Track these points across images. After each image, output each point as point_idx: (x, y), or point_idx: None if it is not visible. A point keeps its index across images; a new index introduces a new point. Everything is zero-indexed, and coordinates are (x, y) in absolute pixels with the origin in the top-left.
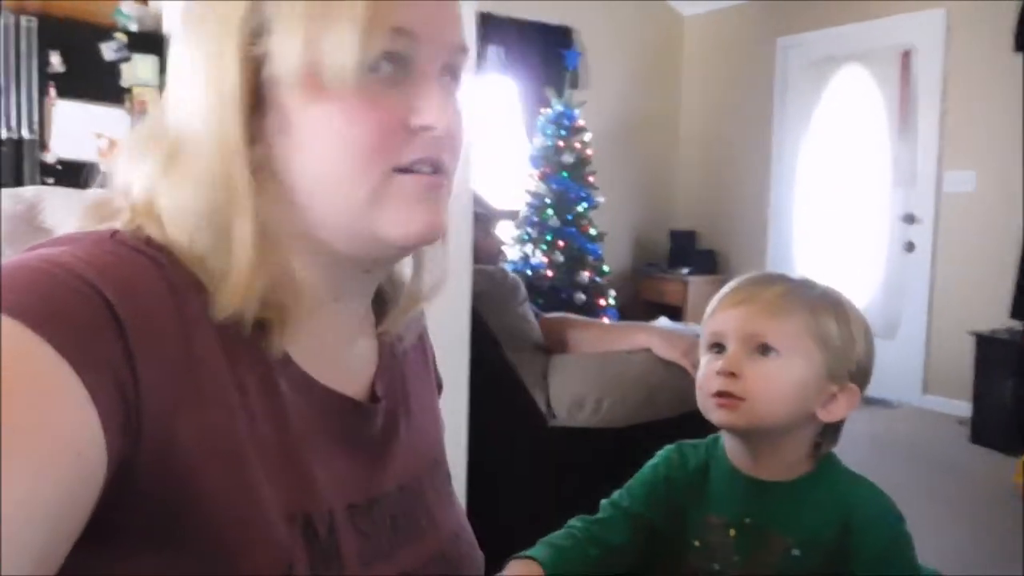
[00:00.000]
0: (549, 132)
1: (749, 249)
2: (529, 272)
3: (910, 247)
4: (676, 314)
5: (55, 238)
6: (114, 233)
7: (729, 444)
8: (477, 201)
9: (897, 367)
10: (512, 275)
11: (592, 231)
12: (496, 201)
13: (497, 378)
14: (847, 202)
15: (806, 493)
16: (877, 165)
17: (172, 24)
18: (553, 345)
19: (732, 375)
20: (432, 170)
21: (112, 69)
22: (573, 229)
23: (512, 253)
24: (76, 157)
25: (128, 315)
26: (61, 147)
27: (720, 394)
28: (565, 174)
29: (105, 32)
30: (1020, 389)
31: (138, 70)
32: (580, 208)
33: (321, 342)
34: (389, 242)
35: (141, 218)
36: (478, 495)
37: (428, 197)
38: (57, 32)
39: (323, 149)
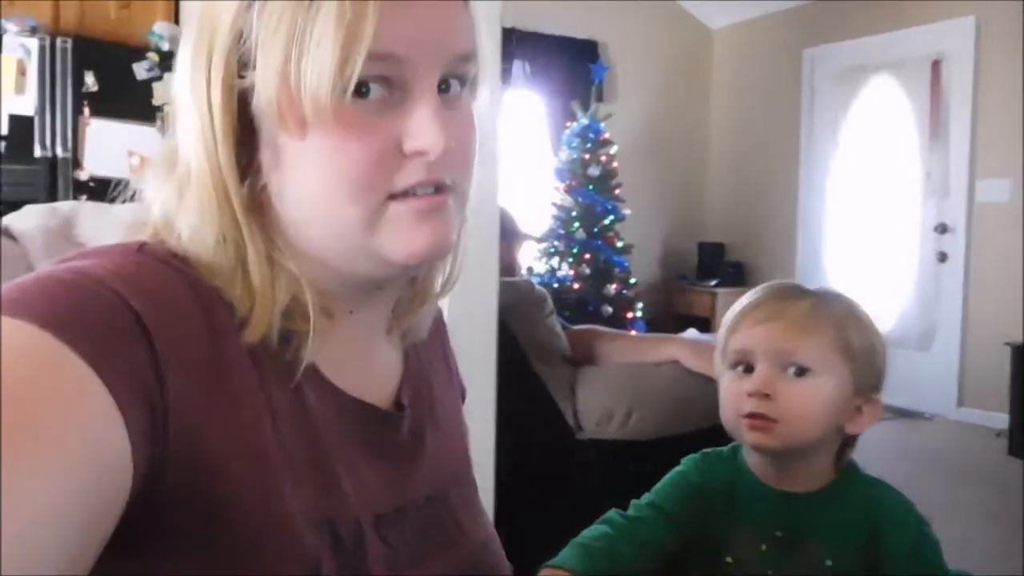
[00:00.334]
0: (575, 145)
1: (778, 261)
2: (556, 285)
3: (943, 258)
4: (704, 326)
5: (84, 251)
6: (141, 245)
7: (753, 458)
8: (502, 214)
9: (932, 379)
10: (539, 287)
11: (619, 243)
12: (521, 218)
13: (524, 390)
14: (878, 213)
15: (833, 502)
16: (908, 175)
17: None
18: (581, 357)
19: (766, 396)
20: (433, 190)
21: (145, 88)
22: (599, 242)
23: (539, 266)
24: (109, 175)
25: (155, 323)
26: (94, 165)
27: (753, 415)
28: (591, 187)
29: (138, 52)
30: None
31: (170, 89)
32: (607, 221)
33: (344, 351)
34: (392, 263)
35: (164, 233)
36: (506, 507)
37: (430, 217)
38: (92, 52)
39: (313, 182)
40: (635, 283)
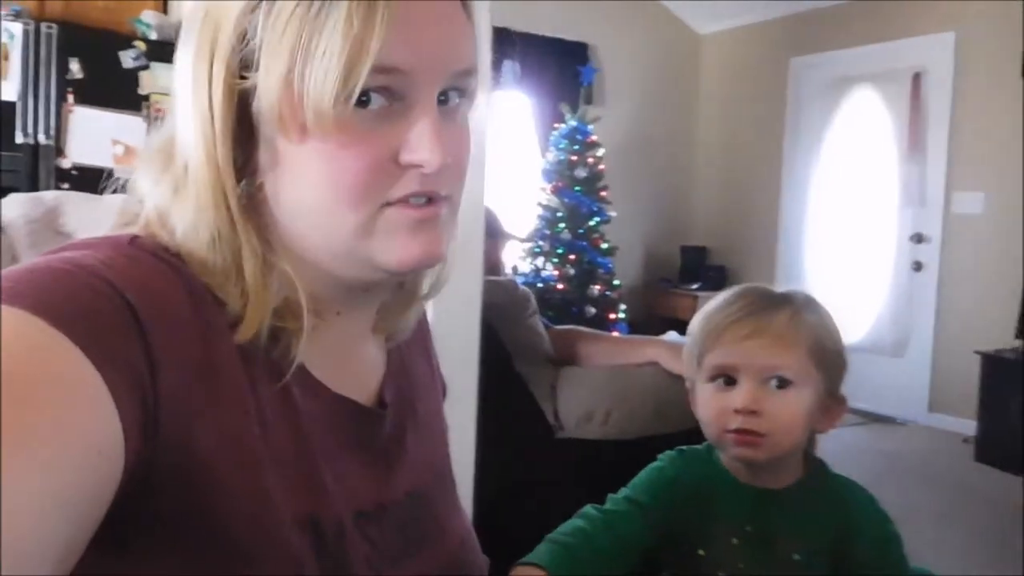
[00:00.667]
0: (562, 146)
1: (759, 266)
2: (540, 285)
3: (918, 267)
4: (685, 329)
5: (74, 242)
6: (133, 239)
7: (728, 459)
8: (487, 213)
9: (904, 385)
10: (523, 287)
11: (604, 245)
12: (507, 217)
13: (506, 389)
14: (857, 221)
15: (802, 499)
16: (887, 185)
17: None
18: (563, 357)
19: (753, 412)
20: (427, 200)
21: (131, 77)
22: (585, 243)
23: (523, 266)
24: (92, 163)
25: (149, 317)
26: (77, 153)
27: (740, 431)
28: (578, 188)
29: (125, 40)
30: None
31: (157, 78)
32: (592, 222)
33: (329, 351)
34: (384, 269)
35: (155, 228)
36: (486, 504)
37: (423, 227)
38: (77, 39)
39: (308, 187)
40: (618, 285)
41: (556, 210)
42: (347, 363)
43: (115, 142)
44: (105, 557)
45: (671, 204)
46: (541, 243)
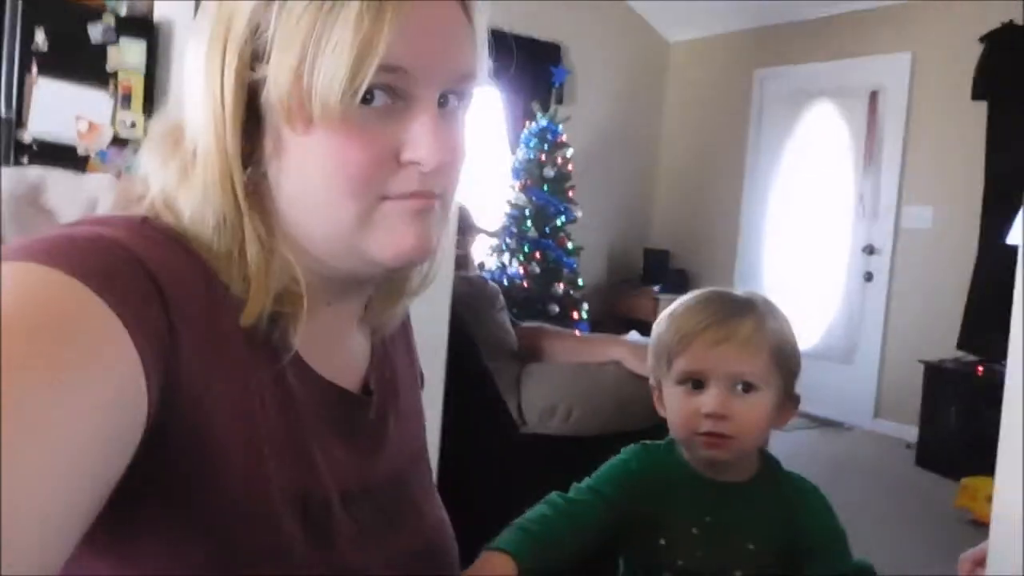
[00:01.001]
0: (532, 145)
1: (719, 270)
2: (506, 282)
3: (869, 277)
4: (646, 329)
5: (86, 219)
6: (144, 219)
7: (691, 455)
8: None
9: (851, 392)
10: (492, 283)
11: (569, 245)
12: (477, 214)
13: (472, 382)
14: (813, 230)
15: (758, 492)
16: (842, 197)
17: (164, 10)
18: (528, 354)
19: (722, 417)
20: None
21: (98, 51)
22: (551, 242)
23: (490, 262)
24: (54, 138)
25: (169, 291)
26: (39, 126)
27: (709, 434)
28: (546, 187)
29: (94, 13)
30: (963, 416)
31: (125, 54)
32: (558, 222)
33: (319, 339)
34: (377, 262)
35: (161, 210)
36: (448, 496)
37: (417, 220)
38: (44, 9)
39: (311, 177)
40: (582, 284)
41: (524, 208)
42: (335, 351)
43: (79, 117)
44: (103, 528)
45: (635, 206)
46: (508, 240)
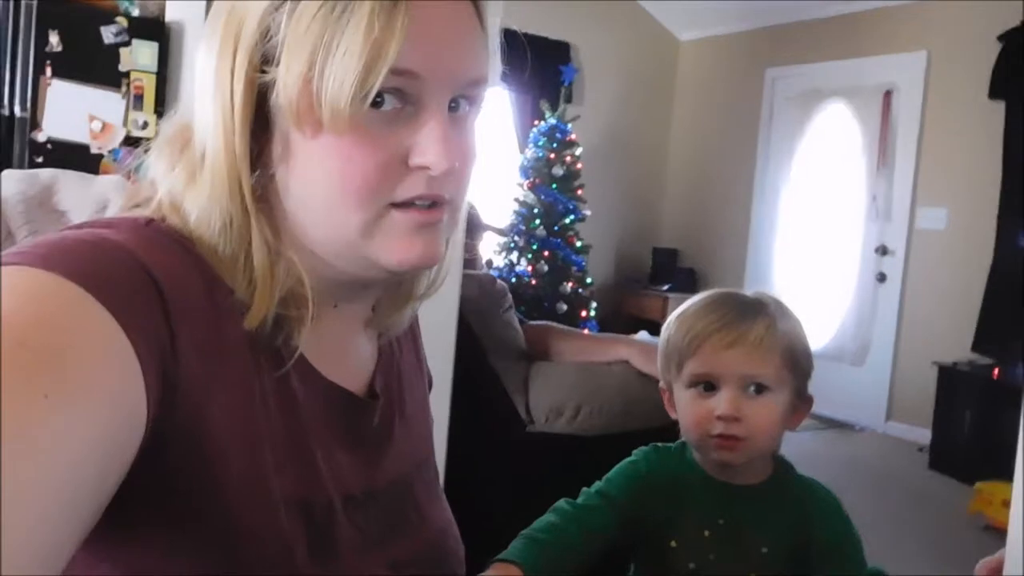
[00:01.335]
0: (541, 144)
1: (728, 269)
2: (514, 280)
3: (882, 278)
4: (655, 328)
5: (92, 221)
6: (149, 221)
7: (702, 458)
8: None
9: (863, 393)
10: (500, 282)
11: (577, 243)
12: (485, 212)
13: (480, 382)
14: (824, 231)
15: (771, 496)
16: (855, 197)
17: (175, 12)
18: (535, 352)
19: (735, 419)
20: (430, 204)
21: (111, 52)
22: (559, 240)
23: (498, 260)
24: (68, 138)
25: (170, 294)
26: (53, 127)
27: (722, 436)
28: (554, 186)
29: (107, 15)
30: (977, 420)
31: (137, 56)
32: (567, 220)
33: (325, 342)
34: (383, 267)
35: (167, 212)
36: (456, 495)
37: (424, 230)
38: (58, 12)
39: (319, 180)
40: (591, 283)
41: (532, 207)
42: (341, 354)
43: (92, 117)
44: (103, 535)
45: (645, 206)
46: (516, 239)
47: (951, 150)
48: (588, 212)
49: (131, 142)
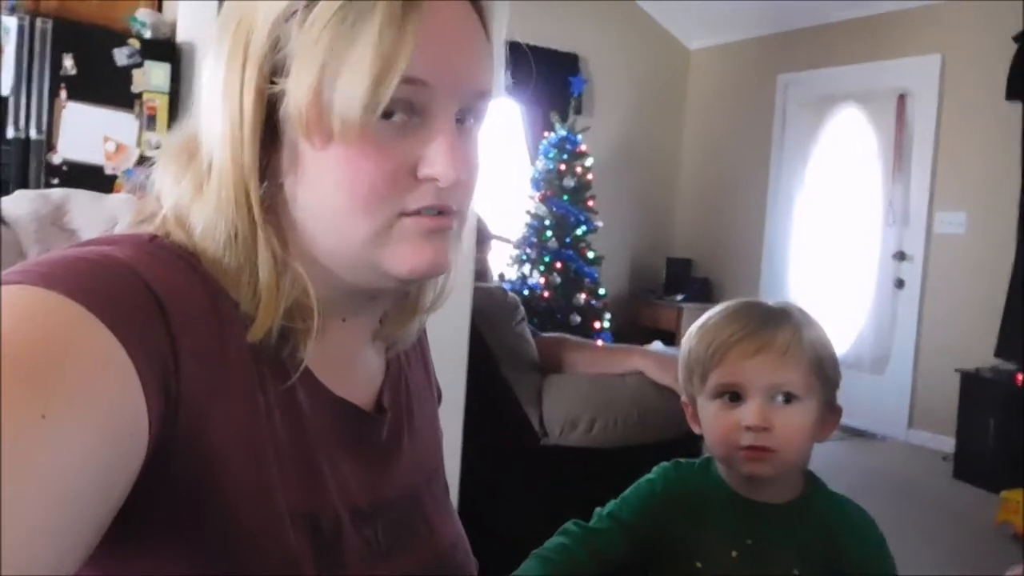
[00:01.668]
0: (551, 156)
1: (743, 279)
2: (526, 292)
3: (900, 284)
4: (670, 339)
5: (95, 239)
6: (152, 237)
7: (729, 473)
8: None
9: (884, 401)
10: (512, 294)
11: (590, 254)
12: (493, 222)
13: (493, 394)
14: (841, 238)
15: (802, 514)
16: (871, 203)
17: (186, 33)
18: (549, 365)
19: (764, 429)
20: (438, 212)
21: (124, 74)
22: (571, 252)
23: (510, 272)
24: (83, 159)
25: (173, 310)
26: (68, 149)
27: (751, 447)
28: (566, 197)
29: (119, 37)
30: (1002, 427)
31: (150, 76)
32: (579, 231)
33: (332, 355)
34: (392, 276)
35: (171, 227)
36: (470, 508)
37: (433, 238)
38: (72, 35)
39: (328, 191)
40: (604, 294)
41: (544, 218)
42: (349, 368)
43: (106, 139)
44: (108, 550)
45: (657, 216)
46: (528, 251)
47: (968, 153)
48: (600, 223)
49: (145, 162)
